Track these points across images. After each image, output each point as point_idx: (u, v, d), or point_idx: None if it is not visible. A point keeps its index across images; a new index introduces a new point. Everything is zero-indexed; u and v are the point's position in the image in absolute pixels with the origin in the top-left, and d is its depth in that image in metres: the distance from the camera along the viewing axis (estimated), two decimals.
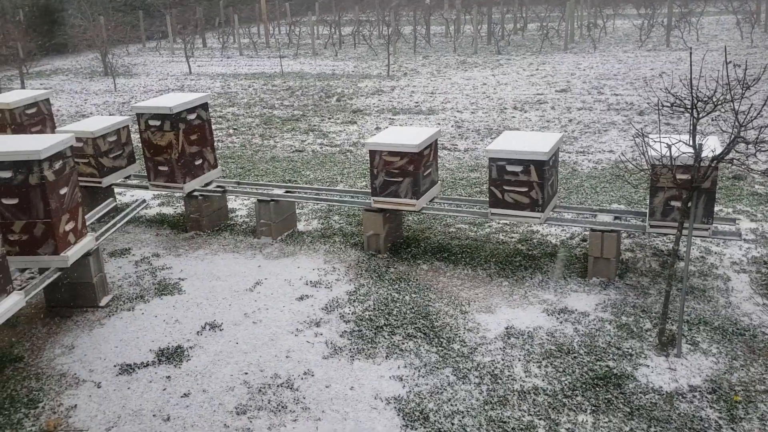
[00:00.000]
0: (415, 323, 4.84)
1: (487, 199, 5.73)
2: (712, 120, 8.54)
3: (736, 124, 3.97)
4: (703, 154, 4.14)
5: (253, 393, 4.15)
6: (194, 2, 27.02)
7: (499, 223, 6.59)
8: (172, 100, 6.57)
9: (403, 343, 4.60)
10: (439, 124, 11.08)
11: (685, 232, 4.37)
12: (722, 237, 5.24)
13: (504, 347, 4.51)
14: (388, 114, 12.08)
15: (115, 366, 4.50)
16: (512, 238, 6.30)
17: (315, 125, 11.48)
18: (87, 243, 5.21)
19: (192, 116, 6.59)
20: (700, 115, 4.04)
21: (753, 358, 4.26)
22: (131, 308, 5.27)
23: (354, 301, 5.22)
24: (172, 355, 4.58)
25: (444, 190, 7.54)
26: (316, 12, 29.72)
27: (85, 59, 22.75)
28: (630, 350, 4.39)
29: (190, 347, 4.68)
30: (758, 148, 3.96)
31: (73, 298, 5.27)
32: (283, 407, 4.00)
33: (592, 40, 20.78)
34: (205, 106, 6.77)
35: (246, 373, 4.35)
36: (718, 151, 4.37)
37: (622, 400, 3.91)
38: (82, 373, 4.44)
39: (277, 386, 4.20)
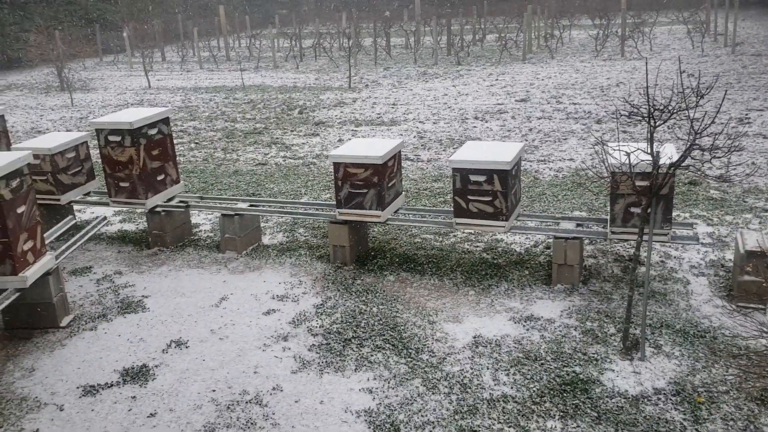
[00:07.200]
0: (384, 335, 4.83)
1: (452, 209, 5.77)
2: (668, 128, 8.75)
3: (692, 131, 4.09)
4: (661, 162, 4.24)
5: (222, 411, 4.09)
6: (152, 15, 26.72)
7: (464, 233, 6.64)
8: (133, 115, 6.49)
9: (371, 355, 4.59)
10: (401, 135, 11.13)
11: (645, 237, 4.47)
12: (681, 241, 5.36)
13: (472, 356, 4.54)
14: (350, 126, 12.10)
15: (78, 388, 4.39)
16: (477, 247, 6.36)
17: (278, 138, 11.43)
18: (46, 262, 5.09)
19: (153, 131, 6.51)
20: (657, 124, 4.15)
21: (714, 359, 4.36)
22: (94, 328, 5.16)
23: (321, 314, 5.19)
24: (137, 375, 4.50)
25: (408, 201, 7.57)
26: (276, 24, 29.67)
27: (40, 74, 22.31)
28: (595, 355, 4.46)
29: (156, 366, 4.60)
30: (713, 154, 4.07)
31: (32, 319, 5.14)
32: (252, 424, 3.96)
33: (549, 50, 21.15)
34: (166, 121, 6.69)
35: (214, 391, 4.29)
36: (675, 158, 4.48)
37: (590, 405, 3.97)
38: (44, 396, 4.33)
39: (246, 403, 4.15)
